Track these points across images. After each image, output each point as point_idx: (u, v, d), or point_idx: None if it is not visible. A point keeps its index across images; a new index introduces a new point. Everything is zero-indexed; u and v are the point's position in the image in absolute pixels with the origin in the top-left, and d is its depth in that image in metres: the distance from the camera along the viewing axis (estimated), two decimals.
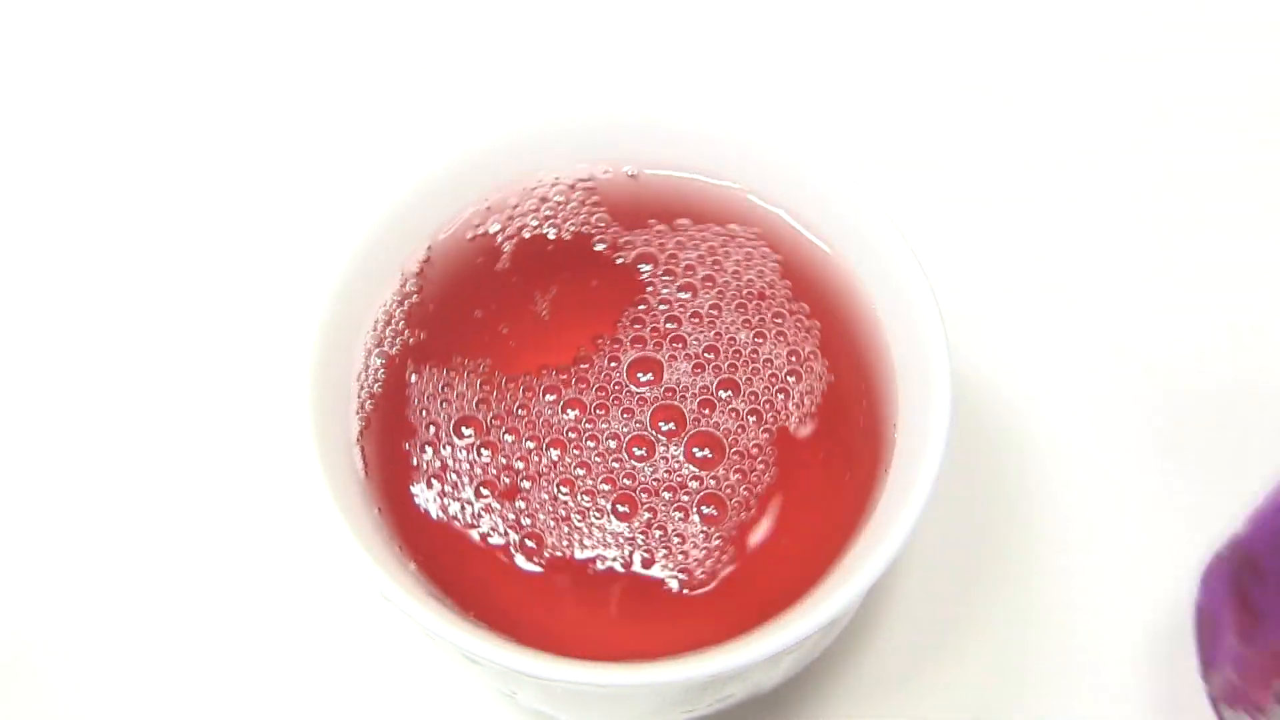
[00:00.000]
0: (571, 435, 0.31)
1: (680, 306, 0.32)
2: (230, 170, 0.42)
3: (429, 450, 0.31)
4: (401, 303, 0.32)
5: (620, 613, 0.30)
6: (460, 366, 0.32)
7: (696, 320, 0.32)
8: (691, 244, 0.33)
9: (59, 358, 0.40)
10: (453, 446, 0.31)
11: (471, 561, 0.30)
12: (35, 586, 0.37)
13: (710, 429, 0.31)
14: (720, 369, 0.32)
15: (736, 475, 0.30)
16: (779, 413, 0.31)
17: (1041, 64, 0.45)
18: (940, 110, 0.44)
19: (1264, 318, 0.39)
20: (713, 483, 0.30)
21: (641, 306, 0.32)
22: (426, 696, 0.35)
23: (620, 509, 0.30)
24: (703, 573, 0.30)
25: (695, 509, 0.30)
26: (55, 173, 0.44)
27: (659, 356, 0.32)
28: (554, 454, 0.31)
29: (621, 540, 0.30)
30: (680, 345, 0.32)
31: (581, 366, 0.32)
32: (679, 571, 0.30)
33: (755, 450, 0.31)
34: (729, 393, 0.31)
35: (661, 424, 0.31)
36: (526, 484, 0.31)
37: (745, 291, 0.32)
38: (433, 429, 0.31)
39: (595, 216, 0.34)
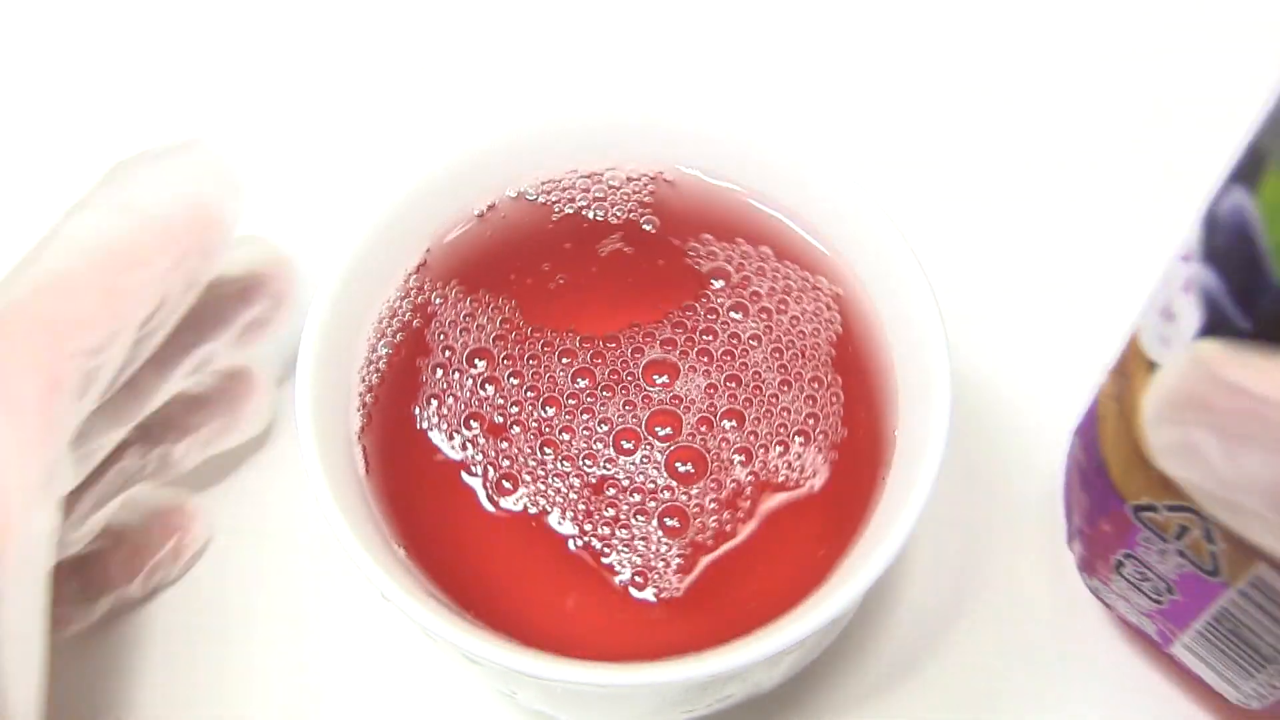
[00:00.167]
0: (570, 402, 0.31)
1: (724, 325, 0.32)
2: None
3: (439, 372, 0.32)
4: (403, 301, 0.33)
5: (596, 604, 0.30)
6: (487, 302, 0.33)
7: (734, 341, 0.32)
8: (770, 274, 0.33)
9: None
10: (461, 373, 0.32)
11: (472, 560, 0.30)
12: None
13: (698, 447, 0.31)
14: (736, 398, 0.31)
15: (711, 493, 0.30)
16: (770, 454, 0.31)
17: (1042, 64, 0.45)
18: (940, 110, 0.44)
19: None
20: (683, 497, 0.30)
21: (689, 312, 0.32)
22: (426, 696, 0.35)
23: (590, 493, 0.30)
24: (662, 580, 0.30)
25: (657, 518, 0.30)
26: (54, 174, 0.43)
27: (681, 362, 0.32)
28: (548, 411, 0.31)
29: (585, 520, 0.30)
30: (707, 359, 0.32)
31: (608, 344, 0.32)
32: (637, 574, 0.30)
33: (739, 470, 0.31)
34: (733, 423, 0.31)
35: (657, 428, 0.31)
36: (516, 429, 0.31)
37: (793, 340, 0.32)
38: (448, 353, 0.32)
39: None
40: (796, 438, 0.31)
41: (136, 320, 0.30)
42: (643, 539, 0.30)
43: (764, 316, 0.32)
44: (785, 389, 0.31)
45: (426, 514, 0.31)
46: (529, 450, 0.31)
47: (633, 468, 0.31)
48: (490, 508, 0.30)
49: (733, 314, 0.32)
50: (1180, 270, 0.23)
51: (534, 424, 0.31)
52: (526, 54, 0.46)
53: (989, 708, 0.34)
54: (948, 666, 0.35)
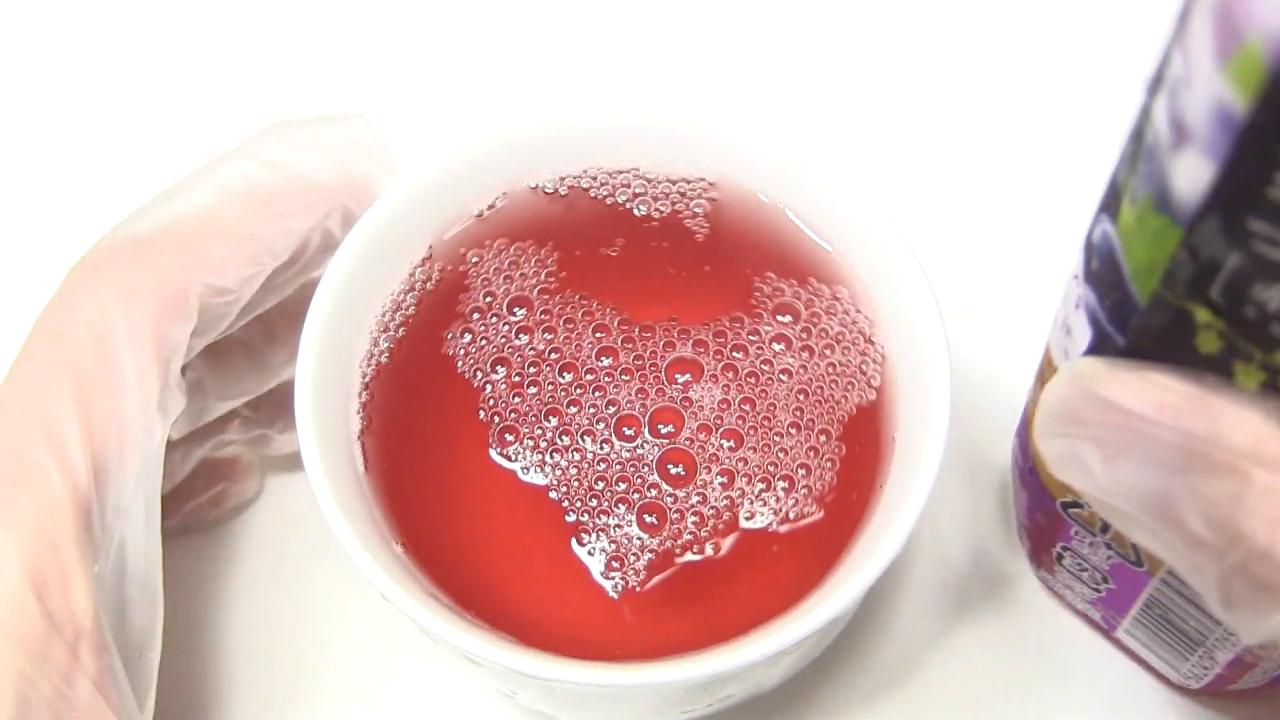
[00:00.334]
0: (588, 376, 0.32)
1: (760, 350, 0.32)
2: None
3: (476, 315, 0.32)
4: (405, 298, 0.33)
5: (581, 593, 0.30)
6: (534, 256, 0.33)
7: (765, 367, 0.32)
8: (830, 314, 0.32)
9: None
10: (498, 318, 0.32)
11: (471, 558, 0.30)
12: None
13: (694, 453, 0.31)
14: (743, 421, 0.31)
15: (699, 495, 0.30)
16: (751, 485, 0.31)
17: (1043, 64, 0.45)
18: (941, 110, 0.45)
19: None
20: (669, 499, 0.30)
21: (735, 324, 0.32)
22: (427, 696, 0.35)
23: (577, 471, 0.31)
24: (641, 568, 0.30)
25: (637, 511, 0.30)
26: (56, 178, 0.45)
27: (704, 369, 0.32)
28: (565, 377, 0.32)
29: (568, 497, 0.30)
30: (732, 375, 0.32)
31: (644, 332, 0.32)
32: (612, 560, 0.30)
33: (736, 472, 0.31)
34: (730, 443, 0.31)
35: (660, 425, 0.31)
36: (532, 389, 0.31)
37: (821, 387, 0.31)
38: (489, 298, 0.33)
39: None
40: (780, 482, 0.30)
41: (267, 269, 0.31)
42: (618, 527, 0.30)
43: (804, 355, 0.32)
44: (793, 431, 0.31)
45: (426, 512, 0.31)
46: (536, 411, 0.31)
47: (627, 456, 0.31)
48: (495, 455, 0.31)
49: (774, 344, 0.32)
50: (1073, 289, 0.25)
51: (549, 386, 0.31)
52: (532, 54, 0.47)
53: (989, 708, 0.35)
54: (948, 666, 0.35)
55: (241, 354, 0.33)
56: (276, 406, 0.36)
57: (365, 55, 0.47)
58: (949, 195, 0.43)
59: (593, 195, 0.34)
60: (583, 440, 0.31)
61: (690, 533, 0.30)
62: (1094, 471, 0.22)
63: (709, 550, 0.30)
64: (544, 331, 0.32)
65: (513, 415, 0.31)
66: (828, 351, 0.32)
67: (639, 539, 0.30)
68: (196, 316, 0.29)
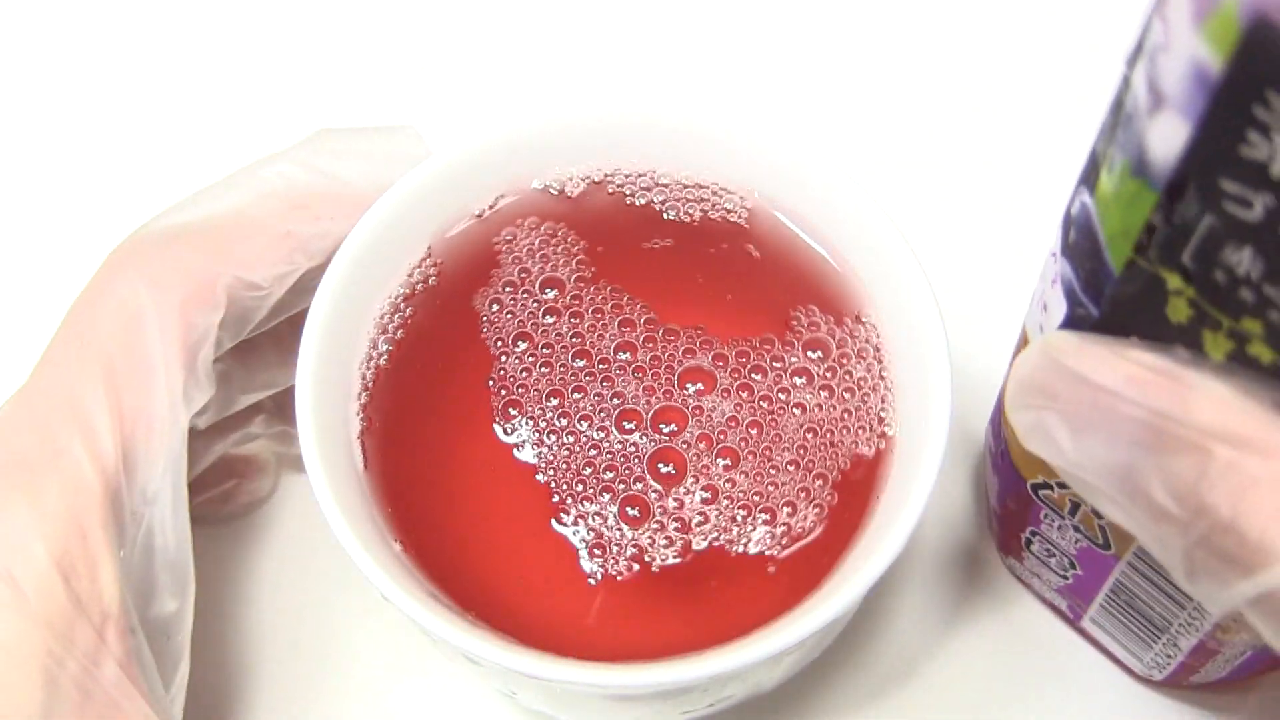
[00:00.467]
0: (600, 365, 0.32)
1: (779, 376, 0.32)
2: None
3: (509, 289, 0.33)
4: (404, 300, 0.33)
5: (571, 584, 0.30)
6: (570, 240, 0.33)
7: (781, 396, 0.31)
8: (860, 358, 0.32)
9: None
10: (529, 294, 0.33)
11: (471, 557, 0.30)
12: None
13: (689, 459, 0.31)
14: (746, 441, 0.31)
15: (705, 492, 0.30)
16: (732, 506, 0.30)
17: (1043, 64, 0.46)
18: (941, 110, 0.45)
19: None
20: (653, 495, 0.30)
21: (765, 345, 0.32)
22: (430, 696, 0.35)
23: (568, 453, 0.31)
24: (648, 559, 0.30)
25: (620, 503, 0.30)
26: (108, 177, 0.45)
27: (719, 383, 0.32)
28: (578, 363, 0.32)
29: (556, 478, 0.31)
30: (746, 395, 0.31)
31: (667, 333, 0.32)
32: (594, 547, 0.30)
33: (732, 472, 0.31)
34: (725, 460, 0.31)
35: (662, 425, 0.31)
36: (544, 369, 0.32)
37: (831, 431, 0.31)
38: (524, 275, 0.33)
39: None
40: (762, 514, 0.30)
41: (300, 269, 0.31)
42: (598, 515, 0.30)
43: (824, 394, 0.31)
44: (791, 469, 0.31)
45: (426, 512, 0.31)
46: (541, 390, 0.32)
47: (620, 447, 0.31)
48: (500, 431, 0.31)
49: (795, 377, 0.32)
50: (1051, 266, 0.26)
51: (559, 369, 0.32)
52: (530, 56, 0.47)
53: (988, 709, 0.35)
54: (946, 667, 0.35)
55: (270, 346, 0.34)
56: None
57: (366, 55, 0.48)
58: (926, 186, 0.44)
59: (613, 194, 0.34)
60: (580, 424, 0.31)
61: (666, 537, 0.30)
62: (1062, 444, 0.23)
63: (684, 554, 0.30)
64: (571, 316, 0.33)
65: (520, 390, 0.32)
66: (846, 395, 0.31)
67: (618, 529, 0.30)
68: (225, 308, 0.30)
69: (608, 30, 0.48)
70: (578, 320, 0.32)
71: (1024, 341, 0.28)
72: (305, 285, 0.31)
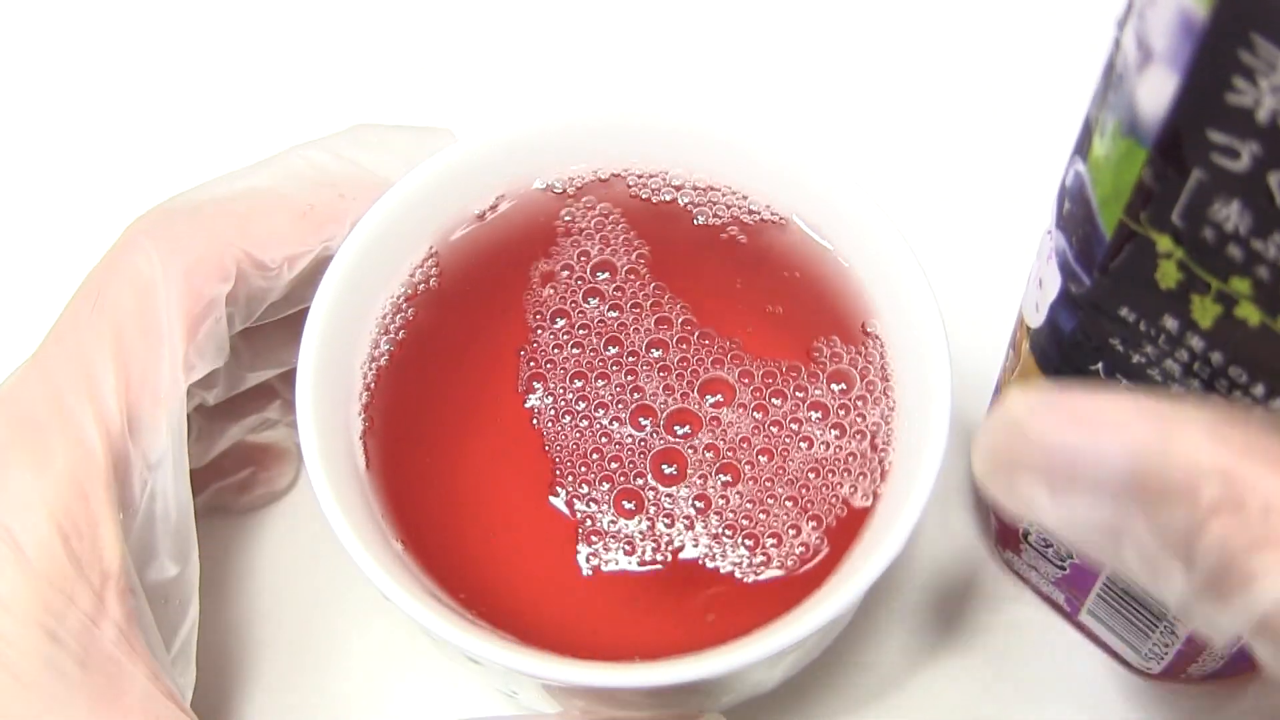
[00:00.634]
0: (629, 358, 0.32)
1: (797, 405, 0.31)
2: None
3: (566, 272, 0.33)
4: (409, 298, 0.33)
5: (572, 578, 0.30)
6: (630, 231, 0.34)
7: (793, 427, 0.31)
8: (875, 405, 0.31)
9: None
10: (581, 276, 0.33)
11: (473, 558, 0.30)
12: None
13: (691, 465, 0.31)
14: (752, 464, 0.31)
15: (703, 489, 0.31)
16: (719, 525, 0.30)
17: (1043, 64, 0.46)
18: (940, 110, 0.46)
19: None
20: (650, 492, 0.30)
21: (790, 372, 0.32)
22: (429, 696, 0.36)
23: (579, 435, 0.31)
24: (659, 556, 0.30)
25: (616, 494, 0.31)
26: (61, 179, 0.45)
27: (738, 399, 0.31)
28: (610, 351, 0.32)
29: (560, 457, 0.31)
30: (761, 416, 0.31)
31: (702, 337, 0.32)
32: (592, 534, 0.30)
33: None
34: (726, 477, 0.31)
35: (677, 427, 0.31)
36: (575, 349, 0.32)
37: (830, 474, 0.31)
38: (583, 258, 0.33)
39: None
40: (746, 540, 0.30)
41: (313, 252, 0.31)
42: (593, 501, 0.30)
43: (834, 432, 0.31)
44: (788, 504, 0.30)
45: (427, 512, 0.31)
46: (566, 370, 0.32)
47: (629, 440, 0.31)
48: (522, 395, 0.32)
49: (812, 411, 0.31)
50: (1046, 242, 0.26)
51: (590, 353, 0.32)
52: (532, 56, 0.48)
53: (987, 709, 0.35)
54: (947, 667, 0.35)
55: (278, 326, 0.34)
56: None
57: (369, 55, 0.48)
58: (926, 179, 0.44)
59: (634, 194, 0.34)
60: (596, 411, 0.31)
61: (654, 540, 0.30)
62: (1043, 506, 0.21)
63: (673, 558, 0.30)
64: (611, 308, 0.33)
65: (548, 365, 0.32)
66: (857, 438, 0.31)
67: (613, 520, 0.30)
68: (233, 281, 0.30)
69: (611, 31, 0.48)
70: (618, 313, 0.33)
71: (1019, 325, 0.28)
72: (319, 278, 0.31)
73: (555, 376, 0.32)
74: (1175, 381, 0.24)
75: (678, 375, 0.32)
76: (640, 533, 0.30)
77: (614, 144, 0.34)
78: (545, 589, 0.30)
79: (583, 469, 0.31)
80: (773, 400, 0.31)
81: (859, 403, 0.31)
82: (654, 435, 0.31)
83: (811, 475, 0.31)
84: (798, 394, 0.31)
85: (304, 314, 0.31)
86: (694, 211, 0.34)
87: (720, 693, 0.30)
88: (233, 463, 0.37)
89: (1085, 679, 0.35)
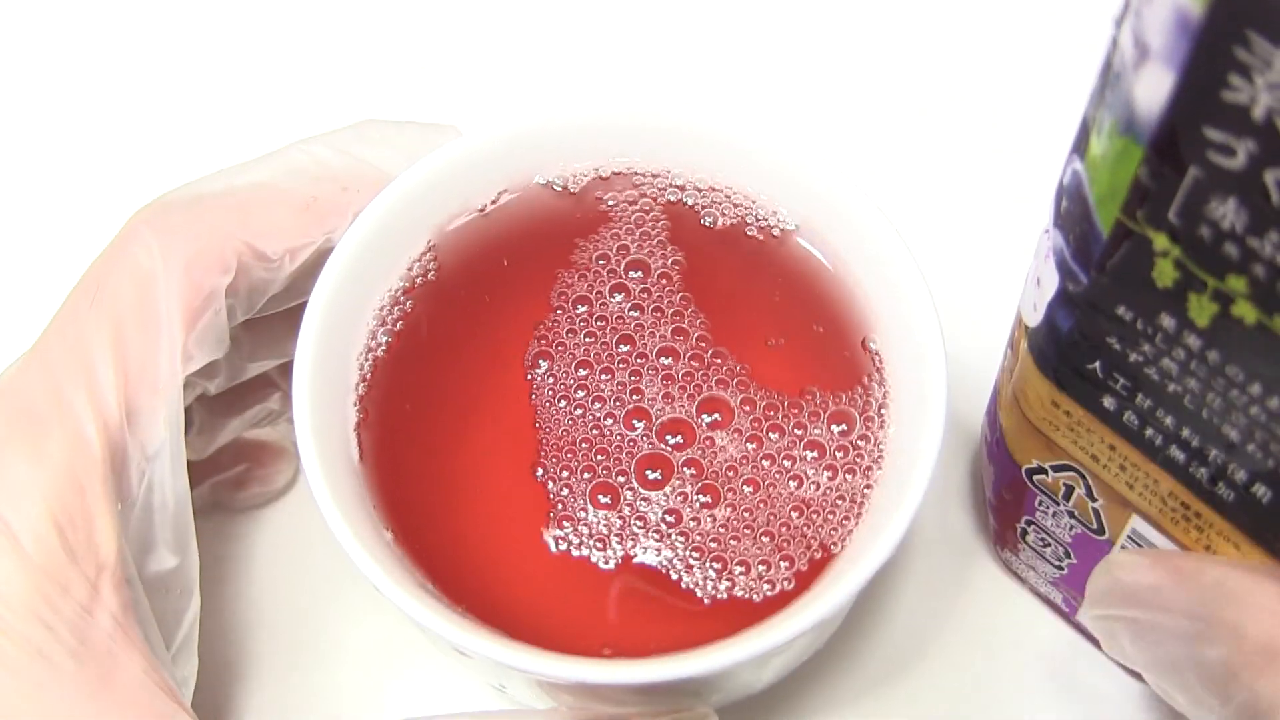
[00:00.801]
0: (638, 360, 0.32)
1: (794, 442, 0.31)
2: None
3: (603, 262, 0.33)
4: (408, 291, 0.33)
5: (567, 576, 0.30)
6: (668, 232, 0.33)
7: (785, 464, 0.31)
8: (869, 456, 0.31)
9: None
10: (614, 272, 0.33)
11: (464, 550, 0.30)
12: None
13: (673, 473, 0.31)
14: (732, 491, 0.30)
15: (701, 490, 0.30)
16: (687, 545, 0.30)
17: (1045, 59, 0.46)
18: (940, 108, 0.46)
19: None
20: (628, 492, 0.30)
21: (790, 408, 0.31)
22: (421, 690, 0.36)
23: (570, 424, 0.31)
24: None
25: (592, 488, 0.31)
26: (67, 172, 0.46)
27: (735, 424, 0.31)
28: (622, 348, 0.32)
29: (546, 444, 0.31)
30: (754, 447, 0.31)
31: (715, 356, 0.32)
32: (562, 519, 0.30)
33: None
34: (705, 498, 0.30)
35: (669, 436, 0.31)
36: (588, 338, 0.32)
37: (813, 519, 0.30)
38: (621, 253, 0.33)
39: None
40: (713, 562, 0.30)
41: (315, 243, 0.31)
42: (567, 486, 0.30)
43: (826, 475, 0.31)
44: (765, 539, 0.30)
45: (420, 503, 0.31)
46: (574, 356, 0.32)
47: (617, 438, 0.31)
48: (526, 368, 0.32)
49: (808, 450, 0.31)
50: (1044, 241, 0.26)
51: (600, 347, 0.32)
52: (533, 55, 0.48)
53: (983, 708, 0.35)
54: (942, 667, 0.35)
55: (280, 318, 0.33)
56: None
57: (375, 52, 0.48)
58: (922, 176, 0.44)
59: (647, 195, 0.34)
60: (593, 405, 0.31)
61: (634, 529, 0.30)
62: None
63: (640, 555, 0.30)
64: (633, 307, 0.33)
65: (558, 347, 0.32)
66: (847, 480, 0.30)
67: (585, 512, 0.30)
68: (234, 273, 0.30)
69: (617, 29, 0.49)
70: (639, 313, 0.33)
71: (1017, 324, 0.28)
72: (321, 269, 0.32)
73: (562, 360, 0.32)
74: (1172, 380, 0.24)
75: (680, 387, 0.32)
76: (615, 529, 0.30)
77: (616, 142, 0.34)
78: (525, 580, 0.30)
79: (568, 455, 0.31)
80: (769, 434, 0.31)
81: (860, 442, 0.31)
82: (644, 439, 0.31)
83: (794, 514, 0.30)
84: (796, 431, 0.31)
85: (306, 306, 0.31)
86: (700, 213, 0.34)
87: (708, 692, 0.30)
88: (229, 458, 0.37)
89: (1082, 679, 0.35)
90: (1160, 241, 0.22)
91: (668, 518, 0.30)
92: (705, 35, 0.48)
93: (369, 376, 0.32)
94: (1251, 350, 0.22)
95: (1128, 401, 0.25)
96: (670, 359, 0.32)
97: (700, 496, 0.30)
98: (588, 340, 0.32)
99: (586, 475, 0.31)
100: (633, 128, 0.34)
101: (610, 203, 0.34)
